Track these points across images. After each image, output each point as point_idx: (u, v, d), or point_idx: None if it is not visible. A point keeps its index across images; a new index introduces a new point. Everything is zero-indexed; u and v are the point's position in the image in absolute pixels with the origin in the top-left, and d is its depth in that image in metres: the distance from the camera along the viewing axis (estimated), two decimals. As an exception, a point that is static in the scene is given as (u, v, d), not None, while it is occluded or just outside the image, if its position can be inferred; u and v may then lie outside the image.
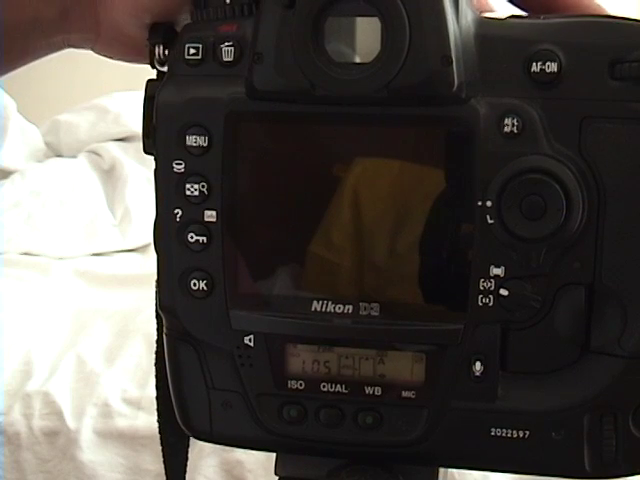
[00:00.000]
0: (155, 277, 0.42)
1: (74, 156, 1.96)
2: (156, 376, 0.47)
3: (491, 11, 0.44)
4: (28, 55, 0.45)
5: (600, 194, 0.36)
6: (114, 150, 1.92)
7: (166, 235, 0.40)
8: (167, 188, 0.40)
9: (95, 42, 0.44)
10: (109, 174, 1.89)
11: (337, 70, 0.37)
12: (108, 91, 2.06)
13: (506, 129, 0.36)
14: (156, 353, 0.47)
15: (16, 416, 1.22)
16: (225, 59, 0.38)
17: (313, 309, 0.39)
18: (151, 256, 1.61)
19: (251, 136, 0.39)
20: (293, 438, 0.40)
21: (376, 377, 0.39)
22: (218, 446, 1.18)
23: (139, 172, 1.86)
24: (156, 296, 0.43)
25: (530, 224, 0.36)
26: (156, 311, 0.44)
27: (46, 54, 0.46)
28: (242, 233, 0.39)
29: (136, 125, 1.92)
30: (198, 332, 0.40)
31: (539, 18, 0.37)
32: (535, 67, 0.36)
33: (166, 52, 0.41)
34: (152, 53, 0.42)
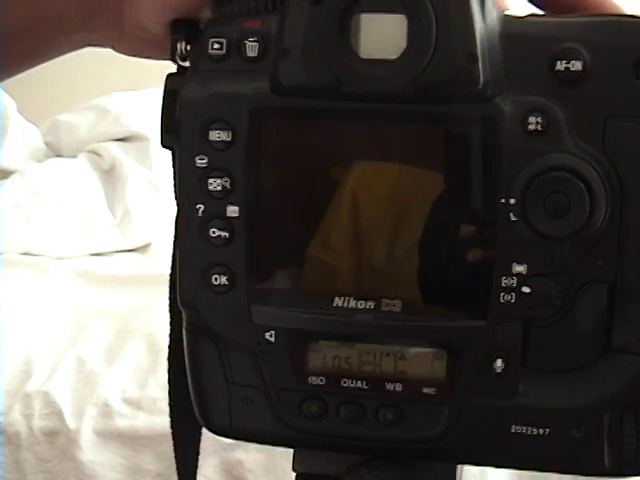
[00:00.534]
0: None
1: (74, 156, 1.95)
2: (168, 370, 0.47)
3: (506, 9, 0.44)
4: (50, 52, 0.45)
5: (623, 192, 0.36)
6: (114, 150, 1.91)
7: (188, 230, 0.40)
8: (189, 183, 0.40)
9: (118, 40, 0.44)
10: (109, 174, 1.89)
11: (363, 66, 0.37)
12: (108, 91, 2.06)
13: (530, 127, 0.36)
14: (169, 347, 0.47)
15: (16, 416, 1.22)
16: (249, 54, 0.38)
17: (335, 305, 0.39)
18: (151, 256, 1.63)
19: (275, 131, 0.39)
20: (313, 434, 0.40)
21: (397, 373, 0.39)
22: (218, 446, 1.18)
23: (139, 172, 1.85)
24: (171, 291, 0.43)
25: (554, 222, 0.36)
26: (170, 305, 0.44)
27: (67, 52, 0.46)
28: (264, 229, 0.39)
29: (136, 125, 1.92)
30: (219, 327, 0.40)
31: (563, 17, 0.38)
32: (560, 65, 0.36)
33: (188, 47, 0.41)
34: (174, 48, 0.42)
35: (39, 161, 1.96)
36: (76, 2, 0.43)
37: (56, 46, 0.45)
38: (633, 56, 0.36)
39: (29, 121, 2.03)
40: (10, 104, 1.99)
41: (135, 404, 1.22)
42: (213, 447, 1.15)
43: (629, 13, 0.38)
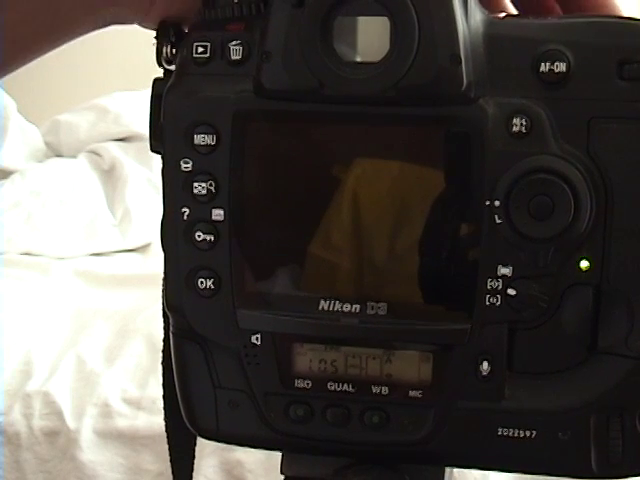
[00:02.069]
0: (158, 276, 0.42)
1: (74, 156, 1.96)
2: (163, 375, 0.47)
3: (509, 12, 0.44)
4: (74, 31, 0.42)
5: (608, 194, 0.36)
6: (114, 150, 1.91)
7: (173, 234, 0.40)
8: (174, 187, 0.40)
9: (147, 13, 0.42)
10: (109, 174, 1.89)
11: (346, 69, 0.37)
12: (108, 91, 2.06)
13: (514, 129, 0.36)
14: (163, 352, 0.47)
15: (16, 416, 1.22)
16: (233, 58, 0.38)
17: (320, 308, 0.39)
18: (151, 256, 1.63)
19: (259, 134, 0.39)
20: (299, 437, 0.40)
21: (383, 376, 0.39)
22: (218, 446, 1.18)
23: (139, 172, 1.85)
24: (163, 295, 0.43)
25: (538, 224, 0.36)
26: (163, 310, 0.44)
27: (92, 30, 0.42)
28: (249, 232, 0.39)
29: (136, 125, 1.92)
30: (205, 331, 0.40)
31: (547, 18, 0.38)
32: (543, 67, 0.36)
33: (173, 51, 0.41)
34: (159, 52, 0.42)
35: (39, 161, 1.96)
36: None
37: (83, 23, 0.42)
38: (616, 57, 0.36)
39: (29, 121, 2.03)
40: (10, 104, 1.99)
41: (135, 404, 1.22)
42: (213, 447, 1.15)
43: (621, 14, 0.38)
